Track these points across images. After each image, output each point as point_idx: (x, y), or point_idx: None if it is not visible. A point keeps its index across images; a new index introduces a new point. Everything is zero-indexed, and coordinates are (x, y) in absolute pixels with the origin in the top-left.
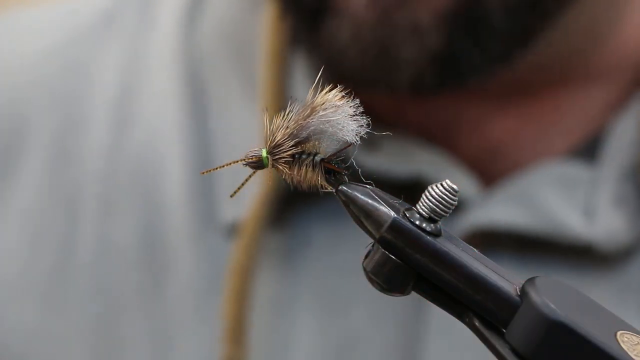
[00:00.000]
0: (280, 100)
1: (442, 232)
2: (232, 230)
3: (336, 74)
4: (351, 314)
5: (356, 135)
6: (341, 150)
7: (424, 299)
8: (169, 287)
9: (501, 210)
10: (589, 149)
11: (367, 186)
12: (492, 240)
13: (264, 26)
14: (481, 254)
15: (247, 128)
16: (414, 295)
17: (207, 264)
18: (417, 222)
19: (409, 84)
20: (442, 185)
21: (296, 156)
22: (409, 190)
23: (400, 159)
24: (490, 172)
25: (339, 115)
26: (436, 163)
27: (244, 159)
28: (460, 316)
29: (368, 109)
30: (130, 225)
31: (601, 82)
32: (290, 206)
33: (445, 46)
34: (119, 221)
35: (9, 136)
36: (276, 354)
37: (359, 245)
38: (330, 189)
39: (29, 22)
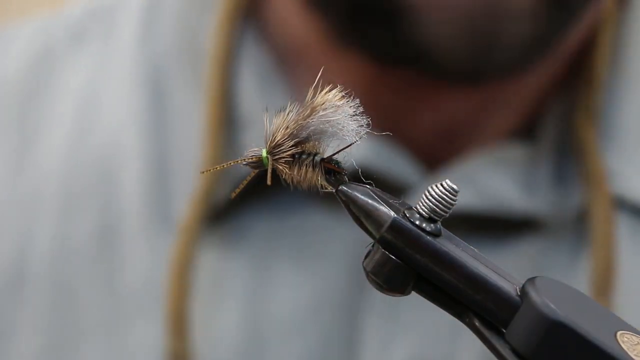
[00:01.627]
0: (225, 104)
1: (442, 232)
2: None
3: (409, 63)
4: (286, 298)
5: (356, 135)
6: (341, 150)
7: (365, 286)
8: (124, 282)
9: None
10: (527, 131)
11: (367, 186)
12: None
13: (212, 26)
14: (481, 254)
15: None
16: (354, 282)
17: (161, 262)
18: (417, 222)
19: (500, 70)
20: (441, 185)
21: (296, 156)
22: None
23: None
24: (433, 156)
25: (339, 115)
26: (380, 148)
27: (244, 159)
28: (460, 316)
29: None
30: (88, 224)
31: (544, 64)
32: (229, 203)
33: (542, 28)
34: (77, 220)
35: None
36: (211, 341)
37: (297, 232)
38: (330, 189)
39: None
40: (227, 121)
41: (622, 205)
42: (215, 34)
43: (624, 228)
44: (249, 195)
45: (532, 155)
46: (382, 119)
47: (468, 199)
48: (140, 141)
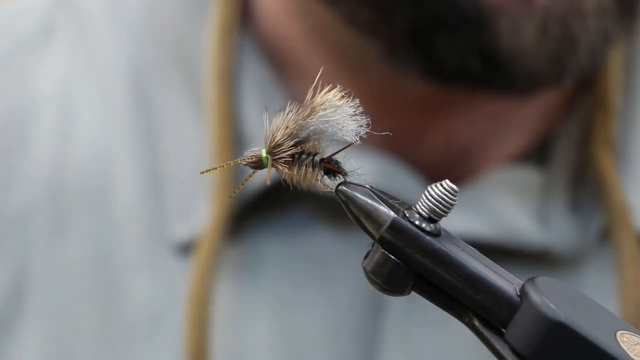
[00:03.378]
0: (228, 118)
1: (442, 232)
2: (186, 248)
3: (503, 80)
4: (306, 324)
5: (356, 135)
6: (341, 150)
7: (380, 310)
8: (123, 310)
9: (455, 218)
10: (538, 152)
11: (367, 186)
12: None
13: (208, 40)
14: (481, 254)
15: (196, 142)
16: (368, 305)
17: (159, 285)
18: (417, 222)
19: (580, 74)
20: (441, 185)
21: (296, 156)
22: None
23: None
24: (443, 178)
25: (338, 115)
26: (390, 171)
27: (244, 159)
28: (460, 316)
29: None
30: (81, 246)
31: None
32: (245, 220)
33: (612, 25)
34: (70, 242)
35: None
36: None
37: (312, 256)
38: (329, 189)
39: None
40: (233, 140)
41: None
42: (213, 49)
43: None
44: (261, 213)
45: (546, 181)
46: (391, 138)
47: (480, 227)
48: (129, 155)
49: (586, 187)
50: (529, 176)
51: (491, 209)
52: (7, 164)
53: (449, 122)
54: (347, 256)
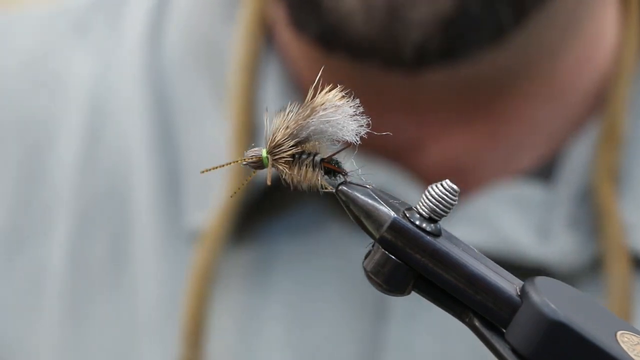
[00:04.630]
0: (250, 111)
1: (442, 232)
2: (197, 236)
3: (337, 46)
4: (315, 328)
5: (356, 135)
6: (341, 150)
7: (384, 314)
8: (136, 294)
9: (457, 230)
10: (545, 171)
11: (367, 186)
12: None
13: (235, 36)
14: (481, 254)
15: (216, 139)
16: (372, 309)
17: (172, 270)
18: (417, 222)
19: (415, 52)
20: (442, 185)
21: (296, 156)
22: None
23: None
24: None
25: (339, 115)
26: (393, 182)
27: (244, 159)
28: (460, 316)
29: None
30: (102, 239)
31: (558, 102)
32: (256, 217)
33: (458, 9)
34: (91, 236)
35: None
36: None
37: (325, 257)
38: (330, 189)
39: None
40: (250, 131)
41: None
42: (241, 44)
43: None
44: (277, 213)
45: (550, 198)
46: (391, 146)
47: (479, 238)
48: (149, 151)
49: (589, 209)
50: (533, 192)
51: (491, 221)
52: (33, 162)
53: (446, 134)
54: (358, 251)
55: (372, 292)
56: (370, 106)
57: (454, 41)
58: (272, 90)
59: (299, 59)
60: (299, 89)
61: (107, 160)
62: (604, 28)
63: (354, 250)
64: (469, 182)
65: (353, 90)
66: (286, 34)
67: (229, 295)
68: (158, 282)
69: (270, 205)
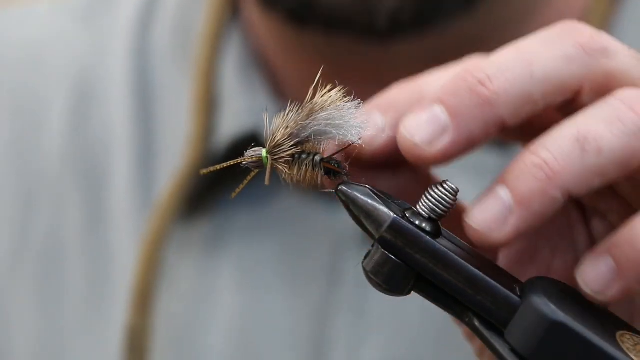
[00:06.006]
0: (210, 82)
1: (442, 232)
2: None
3: (311, 20)
4: (266, 295)
5: (356, 135)
6: (341, 150)
7: (337, 281)
8: (110, 267)
9: None
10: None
11: (367, 186)
12: None
13: (203, 12)
14: (481, 254)
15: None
16: (325, 276)
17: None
18: (417, 222)
19: (388, 21)
20: (441, 185)
21: (296, 156)
22: None
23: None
24: None
25: (338, 116)
26: None
27: (245, 159)
28: (460, 316)
29: None
30: (78, 211)
31: None
32: (213, 189)
33: None
34: (69, 206)
35: None
36: (193, 330)
37: (278, 227)
38: (330, 189)
39: (8, 21)
40: (210, 100)
41: None
42: (206, 18)
43: None
44: (232, 187)
45: (503, 162)
46: None
47: None
48: (130, 124)
49: None
50: (487, 158)
51: None
52: (22, 137)
53: None
54: (311, 218)
55: (325, 260)
56: (339, 80)
57: (425, 9)
58: (232, 63)
59: (264, 36)
60: (262, 65)
61: (92, 133)
62: None
63: (307, 220)
64: None
65: (323, 64)
66: (251, 11)
67: (182, 264)
68: (131, 250)
69: (226, 177)
